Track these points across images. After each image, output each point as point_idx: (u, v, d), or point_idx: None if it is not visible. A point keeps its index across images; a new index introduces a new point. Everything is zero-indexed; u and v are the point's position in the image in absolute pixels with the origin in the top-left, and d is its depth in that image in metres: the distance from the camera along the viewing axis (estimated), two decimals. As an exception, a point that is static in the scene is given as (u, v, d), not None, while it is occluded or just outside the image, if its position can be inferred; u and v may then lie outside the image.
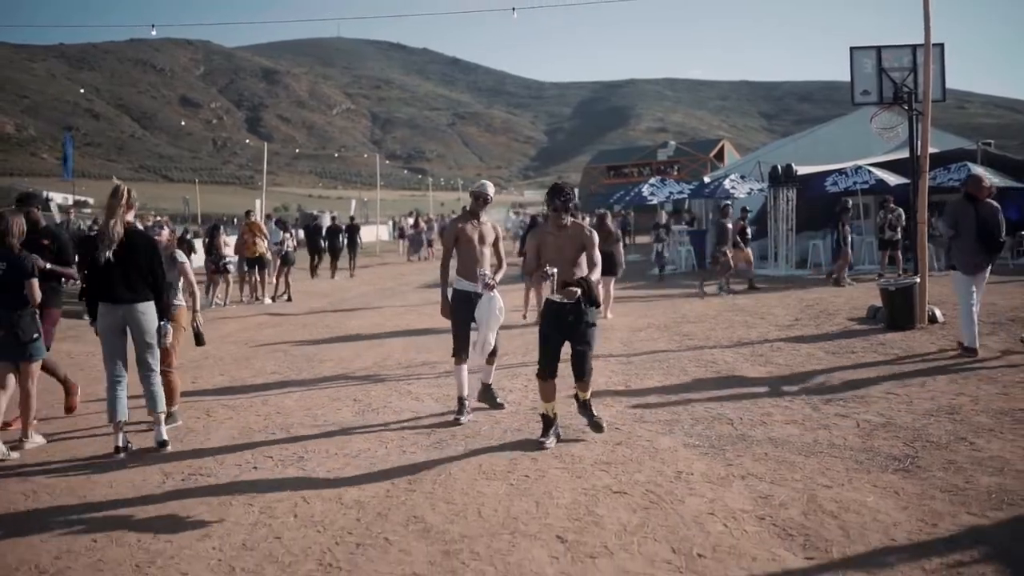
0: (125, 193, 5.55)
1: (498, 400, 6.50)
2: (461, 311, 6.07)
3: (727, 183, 22.59)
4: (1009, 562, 3.40)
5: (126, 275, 5.46)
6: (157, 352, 5.70)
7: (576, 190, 5.42)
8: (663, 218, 19.85)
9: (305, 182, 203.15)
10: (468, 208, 6.36)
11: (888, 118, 11.05)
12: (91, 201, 67.32)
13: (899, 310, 9.89)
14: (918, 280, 9.92)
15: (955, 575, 3.32)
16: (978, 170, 19.58)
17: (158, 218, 19.16)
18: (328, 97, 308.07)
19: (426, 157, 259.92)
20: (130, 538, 4.00)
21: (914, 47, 10.50)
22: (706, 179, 26.33)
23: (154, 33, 18.71)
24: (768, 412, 6.08)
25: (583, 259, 5.34)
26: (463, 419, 6.04)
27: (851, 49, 10.91)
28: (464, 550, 3.68)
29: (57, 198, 74.87)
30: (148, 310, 5.58)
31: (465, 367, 6.10)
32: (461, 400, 6.14)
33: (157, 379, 5.69)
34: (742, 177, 23.59)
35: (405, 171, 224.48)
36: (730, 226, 15.36)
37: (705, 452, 5.10)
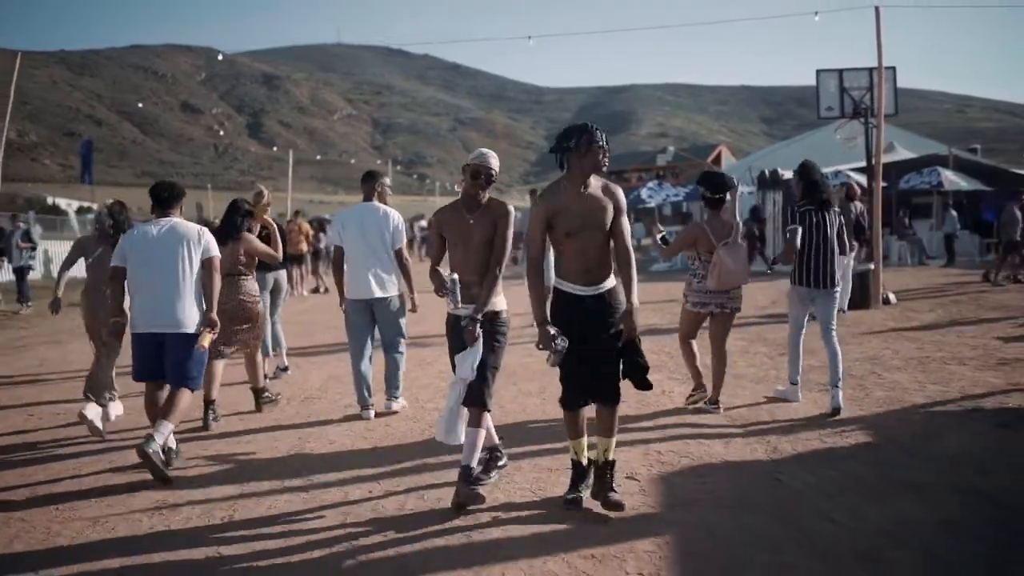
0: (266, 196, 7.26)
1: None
2: (457, 343, 4.25)
3: (719, 186, 24.46)
4: (873, 429, 5.25)
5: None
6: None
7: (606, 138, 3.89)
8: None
9: (306, 187, 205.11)
10: (463, 190, 4.32)
11: (849, 129, 12.89)
12: (94, 207, 67.67)
13: (857, 292, 11.70)
14: (872, 267, 11.74)
15: (837, 435, 5.16)
16: (950, 174, 21.48)
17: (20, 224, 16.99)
18: (329, 103, 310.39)
19: (427, 162, 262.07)
20: (290, 431, 5.84)
21: (871, 70, 12.31)
22: (700, 182, 28.14)
23: (220, 58, 20.44)
24: (735, 360, 7.88)
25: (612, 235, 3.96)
26: (487, 481, 4.34)
27: (817, 71, 12.74)
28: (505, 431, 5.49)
29: (61, 203, 76.37)
30: None
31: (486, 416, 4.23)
32: (493, 451, 4.54)
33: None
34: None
35: (415, 176, 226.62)
36: None
37: (683, 381, 6.93)
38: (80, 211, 67.85)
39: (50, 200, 77.28)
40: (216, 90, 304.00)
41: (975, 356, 7.62)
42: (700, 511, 3.90)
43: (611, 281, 3.98)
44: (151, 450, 4.49)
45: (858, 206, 11.18)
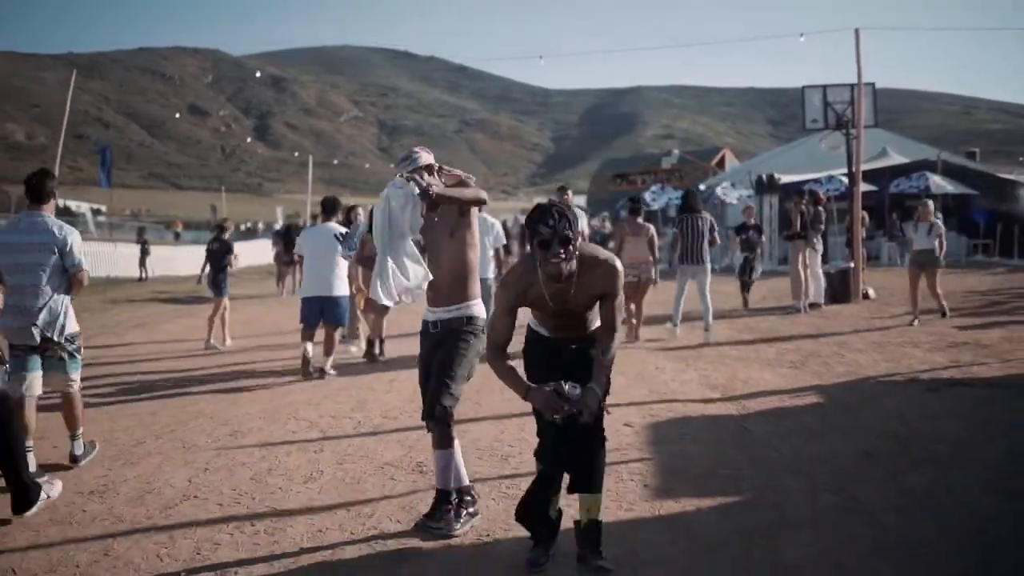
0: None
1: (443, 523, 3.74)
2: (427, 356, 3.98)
3: (719, 190, 25.67)
4: (827, 394, 6.47)
5: None
6: None
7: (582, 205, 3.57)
8: (751, 217, 13.74)
9: (314, 189, 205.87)
10: None
11: (833, 139, 14.11)
12: (104, 208, 68.77)
13: (837, 288, 12.88)
14: (852, 265, 12.93)
15: (796, 398, 6.38)
16: (938, 178, 22.57)
17: None
18: (336, 105, 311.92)
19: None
20: (354, 392, 7.07)
21: (852, 85, 13.50)
22: (701, 186, 29.39)
23: (258, 75, 21.61)
24: (723, 346, 9.13)
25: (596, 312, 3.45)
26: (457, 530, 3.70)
27: (803, 88, 13.94)
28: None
29: (72, 205, 77.81)
30: None
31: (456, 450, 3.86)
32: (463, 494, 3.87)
33: None
34: (732, 185, 26.67)
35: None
36: None
37: (675, 360, 8.17)
38: (95, 213, 69.12)
39: (62, 202, 78.77)
40: (223, 92, 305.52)
41: (930, 341, 8.81)
42: (679, 445, 5.11)
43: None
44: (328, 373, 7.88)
45: (821, 209, 12.35)
